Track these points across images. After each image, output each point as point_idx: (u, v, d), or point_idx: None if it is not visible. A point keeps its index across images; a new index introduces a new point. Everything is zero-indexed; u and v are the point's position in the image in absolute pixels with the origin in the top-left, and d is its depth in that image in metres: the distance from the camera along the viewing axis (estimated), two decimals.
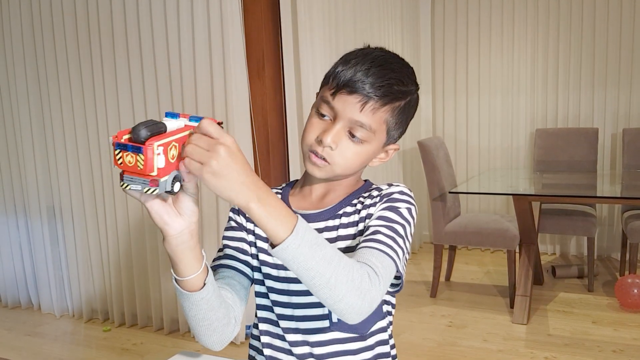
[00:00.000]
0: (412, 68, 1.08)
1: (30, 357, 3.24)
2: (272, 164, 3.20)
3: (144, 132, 0.75)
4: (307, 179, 1.14)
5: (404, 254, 0.99)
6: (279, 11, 3.12)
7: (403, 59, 1.08)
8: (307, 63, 3.15)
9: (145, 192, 0.78)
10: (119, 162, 0.76)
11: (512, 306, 3.53)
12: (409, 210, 1.04)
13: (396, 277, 0.99)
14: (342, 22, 3.54)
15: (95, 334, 3.50)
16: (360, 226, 1.05)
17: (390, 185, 1.09)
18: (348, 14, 3.63)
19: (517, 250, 3.66)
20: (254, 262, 1.12)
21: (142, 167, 0.75)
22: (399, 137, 1.10)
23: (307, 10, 3.14)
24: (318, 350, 1.07)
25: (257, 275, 1.12)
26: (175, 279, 0.92)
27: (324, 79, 1.06)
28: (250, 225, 1.13)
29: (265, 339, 1.12)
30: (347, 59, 1.03)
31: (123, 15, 3.19)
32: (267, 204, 0.80)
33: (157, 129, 0.77)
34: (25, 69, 3.60)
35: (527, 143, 4.78)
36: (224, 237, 1.14)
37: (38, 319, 3.81)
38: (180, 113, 0.84)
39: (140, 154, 0.74)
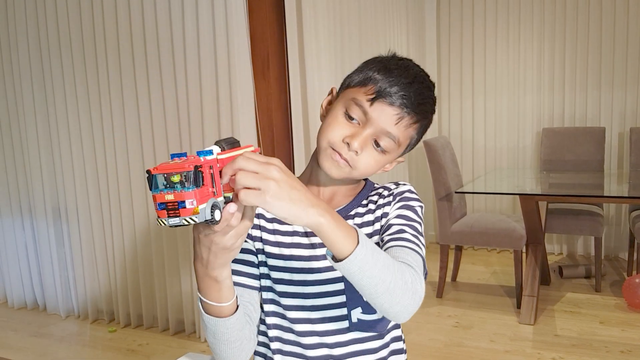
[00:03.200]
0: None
1: (36, 358, 3.24)
2: None
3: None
4: (313, 178, 1.12)
5: (424, 250, 1.02)
6: (284, 11, 3.11)
7: (429, 75, 1.08)
8: (312, 63, 3.14)
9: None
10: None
11: (518, 306, 3.52)
12: (421, 209, 1.08)
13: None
14: (347, 22, 3.53)
15: (101, 334, 3.50)
16: (377, 225, 1.07)
17: (397, 184, 1.12)
18: (353, 14, 3.62)
19: (524, 250, 3.65)
20: (263, 269, 1.11)
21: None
22: (409, 151, 1.11)
23: (312, 10, 3.14)
24: (337, 351, 1.06)
25: (264, 282, 1.11)
26: (212, 309, 0.91)
27: (357, 78, 1.04)
28: (256, 232, 1.11)
29: (275, 345, 1.11)
30: (389, 68, 1.02)
31: (127, 15, 3.19)
32: (333, 215, 0.78)
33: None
34: (31, 69, 3.61)
35: (533, 142, 4.76)
36: None
37: (44, 319, 3.81)
38: (188, 154, 0.79)
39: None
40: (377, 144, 1.01)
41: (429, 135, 4.83)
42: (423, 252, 0.99)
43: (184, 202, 0.71)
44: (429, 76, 1.07)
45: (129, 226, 3.45)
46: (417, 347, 3.08)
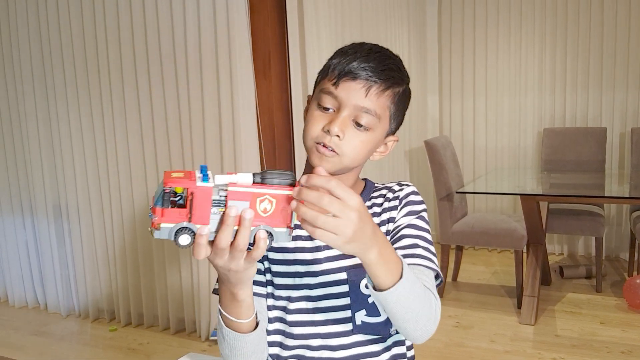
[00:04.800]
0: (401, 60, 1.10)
1: (37, 356, 3.24)
2: (278, 163, 3.19)
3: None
4: None
5: (436, 256, 1.05)
6: (285, 10, 3.11)
7: (393, 52, 1.09)
8: (313, 62, 3.14)
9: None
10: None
11: (519, 307, 3.52)
12: (426, 212, 1.10)
13: (435, 277, 1.05)
14: (348, 22, 3.53)
15: (102, 333, 3.50)
16: (383, 229, 1.07)
17: (400, 184, 1.12)
18: (354, 13, 3.62)
19: (525, 250, 3.64)
20: (268, 276, 1.10)
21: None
22: (397, 128, 1.10)
23: (314, 10, 3.13)
24: (340, 354, 1.06)
25: (269, 289, 1.11)
26: (234, 325, 0.93)
27: (320, 75, 1.07)
28: None
29: (274, 349, 1.10)
30: (343, 51, 1.04)
31: (129, 14, 3.19)
32: (384, 253, 0.82)
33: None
34: (32, 68, 3.61)
35: (534, 142, 4.76)
36: None
37: (44, 318, 3.81)
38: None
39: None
40: (358, 125, 1.00)
41: (430, 135, 4.85)
42: (436, 262, 1.03)
43: (151, 214, 0.75)
44: (389, 50, 1.07)
45: (130, 225, 3.45)
46: (418, 347, 3.06)
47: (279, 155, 3.20)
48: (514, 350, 3.01)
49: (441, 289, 3.83)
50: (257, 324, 0.95)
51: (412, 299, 0.86)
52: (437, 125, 5.08)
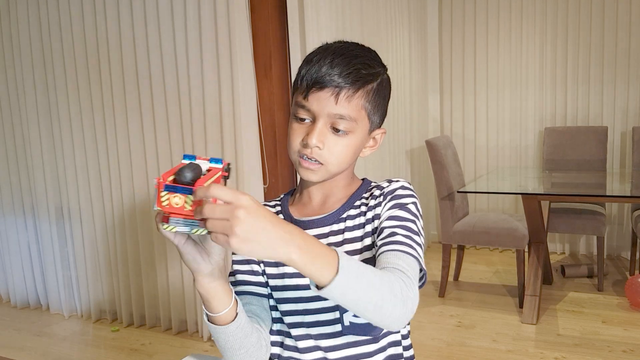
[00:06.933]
0: (375, 51, 1.08)
1: (39, 357, 3.25)
2: (280, 163, 3.19)
3: (190, 175, 0.78)
4: (303, 185, 1.13)
5: (421, 249, 0.99)
6: (286, 10, 3.11)
7: (364, 45, 1.07)
8: None
9: (194, 232, 0.79)
10: (164, 204, 0.77)
11: (521, 306, 3.52)
12: (415, 204, 1.05)
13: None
14: (349, 21, 3.53)
15: (104, 334, 3.51)
16: (368, 228, 1.05)
17: (390, 181, 1.09)
18: (355, 13, 3.62)
19: (526, 249, 3.64)
20: (264, 278, 1.11)
21: (190, 207, 0.76)
22: (382, 121, 1.09)
23: (314, 9, 3.13)
24: (332, 355, 1.06)
25: (269, 289, 1.12)
26: (208, 316, 0.94)
27: (293, 85, 1.07)
28: None
29: (276, 349, 1.11)
30: (309, 59, 1.03)
31: (130, 13, 3.19)
32: (307, 249, 0.75)
33: (199, 173, 0.80)
34: (33, 69, 3.61)
35: (535, 142, 4.76)
36: (234, 262, 1.14)
37: (47, 319, 3.82)
38: (197, 155, 0.86)
39: (190, 195, 0.76)
40: (336, 130, 1.01)
41: (431, 134, 4.86)
42: (419, 251, 0.96)
43: None
44: (357, 44, 1.06)
45: (132, 226, 3.45)
46: (419, 346, 3.08)
47: (279, 154, 3.20)
48: (516, 350, 3.01)
49: (443, 289, 3.83)
50: (237, 316, 0.94)
51: (362, 289, 0.78)
52: (438, 125, 5.08)
